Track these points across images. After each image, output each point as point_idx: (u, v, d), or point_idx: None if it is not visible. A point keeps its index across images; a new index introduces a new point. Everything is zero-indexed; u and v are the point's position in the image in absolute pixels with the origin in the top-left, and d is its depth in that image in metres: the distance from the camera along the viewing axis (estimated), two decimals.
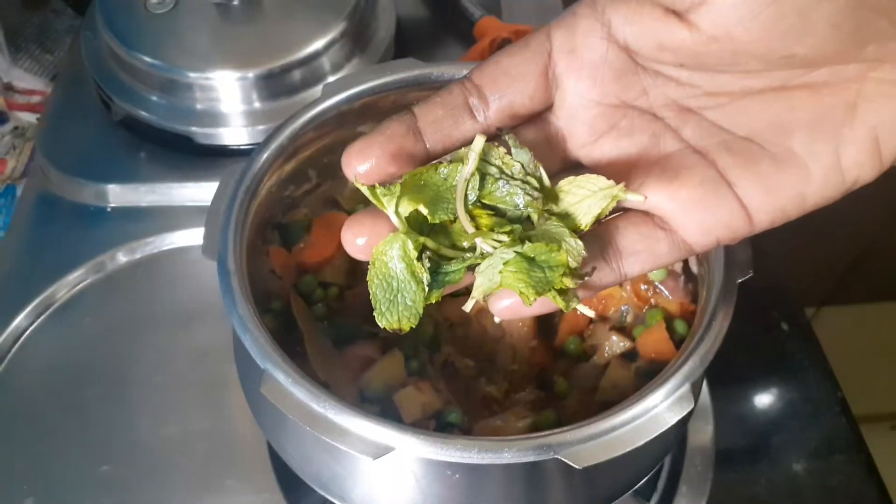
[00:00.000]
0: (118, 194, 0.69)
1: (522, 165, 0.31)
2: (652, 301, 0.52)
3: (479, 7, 0.79)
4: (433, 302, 0.31)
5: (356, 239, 0.32)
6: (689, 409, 0.41)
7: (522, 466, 0.40)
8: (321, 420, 0.40)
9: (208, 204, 0.48)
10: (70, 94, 0.76)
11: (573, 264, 0.30)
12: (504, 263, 0.30)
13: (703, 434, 0.59)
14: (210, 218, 0.47)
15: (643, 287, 0.52)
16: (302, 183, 0.55)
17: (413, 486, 0.43)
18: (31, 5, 0.88)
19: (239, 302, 0.43)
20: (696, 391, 0.42)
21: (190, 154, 0.70)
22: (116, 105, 0.71)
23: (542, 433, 0.39)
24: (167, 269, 0.66)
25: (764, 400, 0.62)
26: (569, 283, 0.30)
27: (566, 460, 0.38)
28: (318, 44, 0.69)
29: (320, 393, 0.40)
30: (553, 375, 0.51)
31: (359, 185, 0.32)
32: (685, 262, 0.52)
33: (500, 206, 0.32)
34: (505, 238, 0.31)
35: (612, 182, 0.31)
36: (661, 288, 0.51)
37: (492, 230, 0.31)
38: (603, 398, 0.49)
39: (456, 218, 0.31)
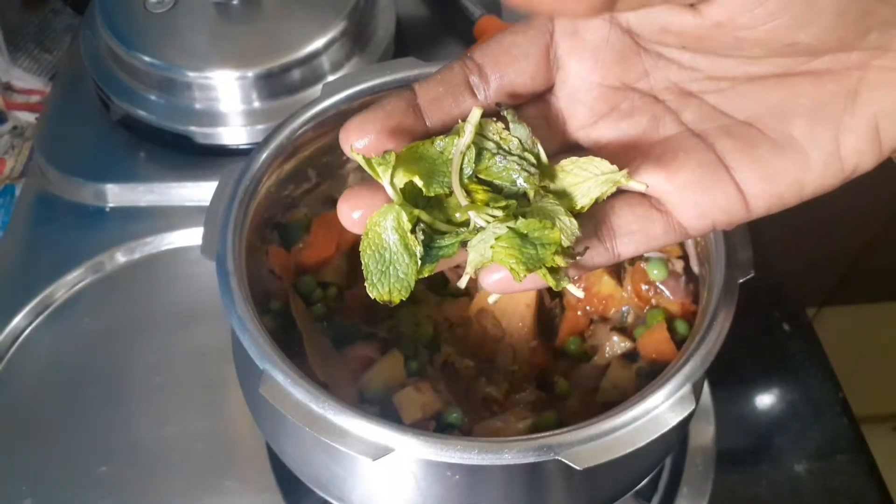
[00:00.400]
0: (117, 194, 0.69)
1: (520, 141, 0.31)
2: (653, 301, 0.51)
3: (478, 6, 0.79)
4: (425, 276, 0.31)
5: (352, 212, 0.32)
6: (690, 410, 0.41)
7: (523, 467, 0.40)
8: (320, 421, 0.40)
9: (207, 204, 0.48)
10: (69, 94, 0.76)
11: (566, 243, 0.30)
12: (496, 238, 0.30)
13: (704, 434, 0.59)
14: (209, 218, 0.47)
15: (644, 287, 0.51)
16: (301, 182, 0.54)
17: (413, 487, 0.43)
18: (31, 4, 0.88)
19: (238, 302, 0.43)
20: (697, 392, 0.42)
21: (189, 154, 0.70)
22: (115, 104, 0.71)
23: (543, 434, 0.39)
24: (166, 270, 0.66)
25: (765, 400, 0.62)
26: (560, 261, 0.30)
27: (567, 461, 0.38)
28: (318, 43, 0.69)
29: (319, 393, 0.40)
30: (554, 376, 0.51)
31: (354, 156, 0.31)
32: (686, 262, 0.51)
33: (497, 181, 0.31)
34: (499, 213, 0.30)
35: (615, 168, 0.31)
36: (663, 288, 0.51)
37: (487, 205, 0.31)
38: (604, 399, 0.49)
39: (451, 192, 0.31)
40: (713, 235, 0.47)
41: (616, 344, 0.51)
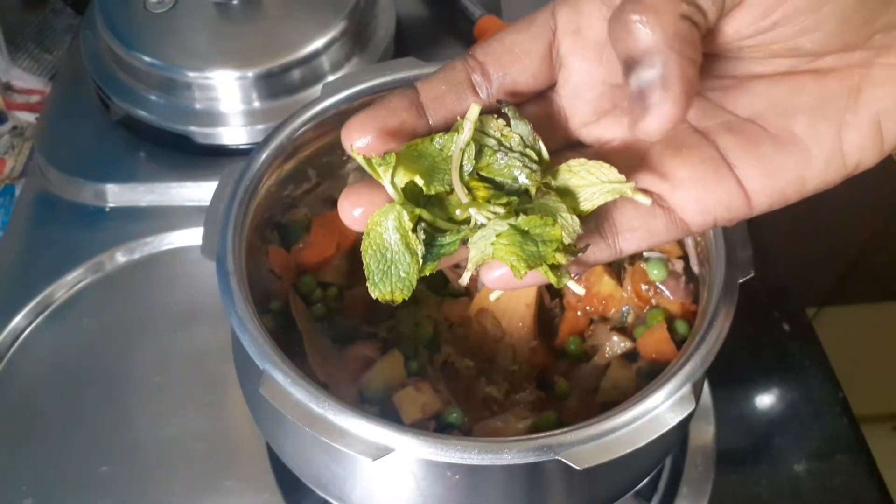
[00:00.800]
0: (117, 194, 0.69)
1: (521, 138, 0.31)
2: (653, 301, 0.51)
3: (478, 6, 0.79)
4: (427, 274, 0.31)
5: (353, 209, 0.32)
6: (690, 410, 0.41)
7: (523, 467, 0.40)
8: (320, 420, 0.40)
9: (207, 204, 0.48)
10: (69, 94, 0.76)
11: (567, 240, 0.30)
12: (497, 235, 0.30)
13: (704, 434, 0.59)
14: (209, 218, 0.47)
15: (644, 287, 0.51)
16: (301, 182, 0.54)
17: (413, 487, 0.43)
18: (31, 4, 0.88)
19: (238, 302, 0.43)
20: (697, 392, 0.42)
21: (189, 154, 0.70)
22: (115, 105, 0.71)
23: (543, 434, 0.39)
24: (166, 269, 0.66)
25: (765, 400, 0.62)
26: (561, 258, 0.30)
27: (567, 461, 0.38)
28: (318, 43, 0.69)
29: (319, 393, 0.40)
30: (554, 376, 0.51)
31: (354, 156, 0.31)
32: (686, 262, 0.51)
33: (498, 178, 0.31)
34: (500, 210, 0.30)
35: (622, 178, 0.31)
36: (663, 288, 0.51)
37: (488, 202, 0.30)
38: (604, 399, 0.49)
39: (452, 189, 0.31)
40: (713, 235, 0.47)
41: (616, 344, 0.51)
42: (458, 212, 0.31)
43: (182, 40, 0.69)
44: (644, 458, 0.47)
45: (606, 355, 0.51)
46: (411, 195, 0.31)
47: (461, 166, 0.31)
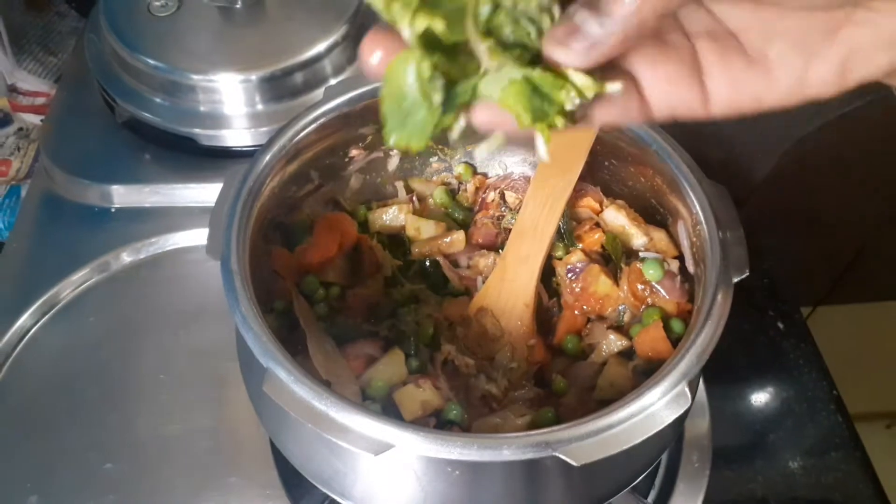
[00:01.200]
0: (122, 195, 0.70)
1: (538, 1, 0.31)
2: (649, 301, 0.52)
3: None
4: (446, 126, 0.31)
5: (372, 52, 0.31)
6: (685, 407, 0.41)
7: (521, 463, 0.41)
8: (323, 417, 0.40)
9: (212, 205, 0.48)
10: (74, 96, 0.77)
11: (569, 107, 0.30)
12: (509, 82, 0.30)
13: (699, 431, 0.59)
14: (213, 218, 0.47)
15: (640, 287, 0.52)
16: (304, 184, 0.55)
17: (414, 482, 0.43)
18: (35, 7, 0.89)
19: (242, 301, 0.44)
20: (692, 389, 0.43)
21: (193, 155, 0.70)
22: (120, 107, 0.71)
23: (541, 430, 0.40)
24: (171, 269, 0.67)
25: (760, 398, 0.63)
26: (560, 122, 0.30)
27: (564, 457, 0.39)
28: (321, 46, 0.69)
29: (322, 391, 0.41)
30: (551, 374, 0.52)
31: (372, 1, 0.30)
32: (682, 262, 0.52)
33: (513, 39, 0.31)
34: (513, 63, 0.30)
35: (592, 80, 0.31)
36: (658, 288, 0.52)
37: (502, 53, 0.30)
38: (601, 396, 0.49)
39: (468, 42, 0.30)
40: (708, 235, 0.47)
41: (613, 342, 0.51)
42: (479, 47, 0.30)
43: (186, 43, 0.70)
44: (640, 455, 0.47)
45: (603, 353, 0.51)
46: (429, 46, 0.30)
47: (476, 15, 0.30)
